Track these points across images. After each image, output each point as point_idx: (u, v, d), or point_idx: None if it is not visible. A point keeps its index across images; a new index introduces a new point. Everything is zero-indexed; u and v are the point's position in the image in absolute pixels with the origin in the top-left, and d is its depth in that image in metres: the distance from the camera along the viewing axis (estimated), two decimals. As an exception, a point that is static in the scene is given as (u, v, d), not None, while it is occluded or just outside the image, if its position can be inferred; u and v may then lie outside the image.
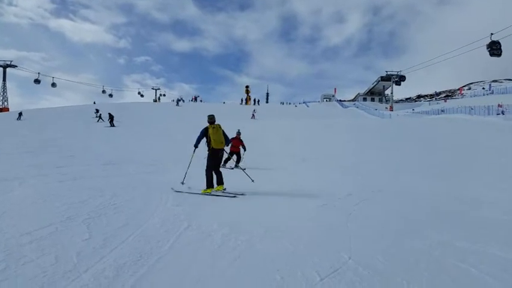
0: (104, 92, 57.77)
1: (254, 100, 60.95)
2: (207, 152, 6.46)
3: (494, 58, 27.46)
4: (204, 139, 6.53)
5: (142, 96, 71.48)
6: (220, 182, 6.44)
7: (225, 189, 6.38)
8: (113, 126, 27.40)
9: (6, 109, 59.18)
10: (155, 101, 73.01)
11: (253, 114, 36.56)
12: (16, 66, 61.37)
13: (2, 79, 61.38)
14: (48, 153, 13.14)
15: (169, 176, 8.28)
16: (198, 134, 6.53)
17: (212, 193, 6.25)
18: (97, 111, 33.80)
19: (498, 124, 23.22)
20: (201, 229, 4.05)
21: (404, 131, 22.66)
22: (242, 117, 34.69)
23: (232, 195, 6.12)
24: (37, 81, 57.54)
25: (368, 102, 70.74)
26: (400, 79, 45.13)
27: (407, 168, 11.04)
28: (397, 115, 43.22)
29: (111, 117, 28.31)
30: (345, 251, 3.32)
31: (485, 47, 27.18)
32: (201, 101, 67.90)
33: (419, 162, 12.35)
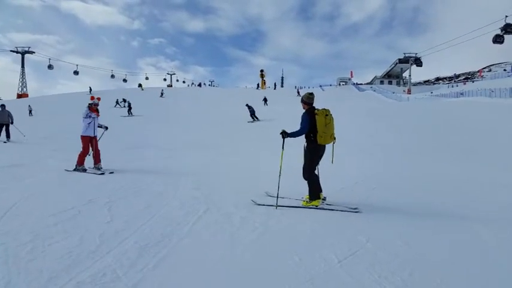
0: (112, 76, 59.06)
1: (275, 84, 60.48)
2: (306, 146, 4.54)
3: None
4: None
5: (165, 80, 73.75)
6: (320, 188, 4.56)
7: (324, 198, 4.54)
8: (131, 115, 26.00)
9: (26, 95, 60.64)
10: (170, 86, 73.68)
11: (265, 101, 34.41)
12: (34, 52, 62.60)
13: (20, 65, 62.80)
14: (66, 138, 13.37)
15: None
16: (302, 123, 4.44)
17: (320, 207, 4.36)
18: (124, 100, 33.34)
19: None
20: (220, 211, 4.08)
21: (421, 114, 22.05)
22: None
23: (352, 209, 4.26)
24: (50, 66, 58.76)
25: (385, 85, 69.04)
26: (415, 62, 43.74)
27: (422, 151, 10.74)
28: (415, 98, 42.21)
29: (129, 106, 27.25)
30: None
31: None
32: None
33: (434, 145, 12.01)
